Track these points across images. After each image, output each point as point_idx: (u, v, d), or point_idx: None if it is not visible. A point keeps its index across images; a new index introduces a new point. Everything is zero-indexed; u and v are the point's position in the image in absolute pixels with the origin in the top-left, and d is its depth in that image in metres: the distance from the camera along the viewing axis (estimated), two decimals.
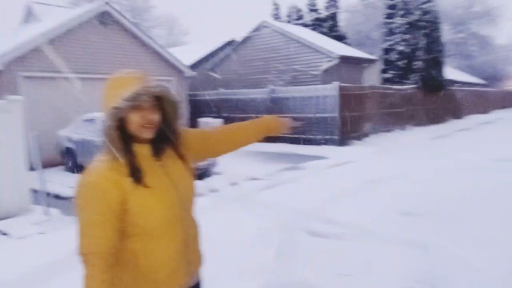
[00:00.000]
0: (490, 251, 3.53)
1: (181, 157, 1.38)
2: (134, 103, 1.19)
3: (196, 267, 1.44)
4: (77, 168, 8.04)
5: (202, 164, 7.19)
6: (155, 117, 1.25)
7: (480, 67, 37.30)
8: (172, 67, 12.50)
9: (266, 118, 1.62)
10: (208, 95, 14.39)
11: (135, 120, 1.21)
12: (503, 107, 32.88)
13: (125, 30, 11.19)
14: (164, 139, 1.32)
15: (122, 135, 1.22)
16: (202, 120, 12.86)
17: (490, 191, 5.64)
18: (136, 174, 1.21)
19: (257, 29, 16.44)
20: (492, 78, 38.04)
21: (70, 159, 8.42)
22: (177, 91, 12.65)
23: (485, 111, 26.39)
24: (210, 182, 6.80)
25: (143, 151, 1.27)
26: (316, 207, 5.14)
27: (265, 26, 16.30)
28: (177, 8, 52.88)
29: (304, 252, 3.73)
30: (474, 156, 8.64)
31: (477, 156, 8.66)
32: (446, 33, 30.55)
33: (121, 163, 1.21)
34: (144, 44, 11.65)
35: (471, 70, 37.14)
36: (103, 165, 1.21)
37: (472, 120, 20.61)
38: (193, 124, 13.31)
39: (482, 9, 35.66)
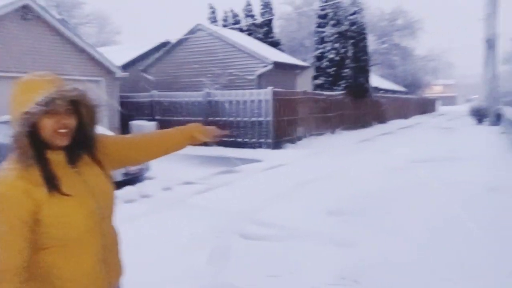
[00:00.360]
0: (406, 244, 3.84)
1: (98, 163, 1.32)
2: (48, 108, 1.12)
3: (116, 277, 1.40)
4: None
5: (133, 169, 6.94)
6: (71, 122, 1.19)
7: (402, 76, 40.52)
8: (101, 67, 11.91)
9: (191, 126, 1.59)
10: (141, 97, 13.93)
11: (48, 126, 1.15)
12: (422, 112, 35.99)
13: (49, 26, 10.46)
14: (80, 145, 1.27)
15: (34, 142, 1.14)
16: (135, 123, 12.42)
17: (406, 190, 6.14)
18: (50, 182, 1.15)
19: (192, 31, 16.30)
20: (412, 86, 41.51)
21: None
22: (107, 92, 12.08)
23: (405, 116, 28.67)
24: (142, 187, 6.58)
25: (57, 158, 1.20)
26: (249, 210, 5.21)
27: (201, 29, 16.21)
28: (109, 6, 50.62)
29: (236, 255, 3.76)
30: (394, 158, 9.36)
31: (397, 158, 9.39)
32: (372, 44, 32.78)
33: (33, 171, 1.14)
34: (70, 42, 10.98)
35: (393, 78, 40.21)
36: (12, 174, 1.13)
37: (394, 124, 22.27)
38: (125, 127, 12.79)
39: (404, 22, 38.78)
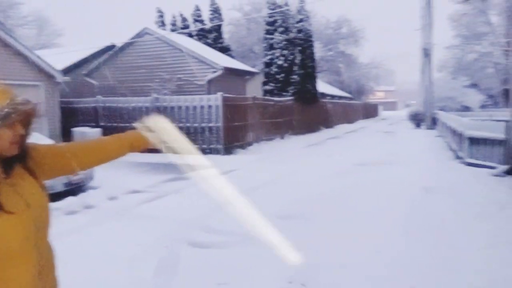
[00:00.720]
0: (351, 246, 4.01)
1: (32, 174, 1.26)
2: (5, 121, 1.10)
3: None
4: None
5: (75, 178, 6.61)
6: (23, 132, 1.17)
7: (347, 82, 42.34)
8: (40, 71, 11.24)
9: (130, 133, 1.53)
10: (84, 102, 13.32)
11: (5, 137, 1.12)
12: (366, 117, 37.77)
13: None
14: (15, 155, 1.21)
15: None
16: (77, 130, 11.85)
17: (350, 192, 6.41)
18: None
19: (139, 35, 15.89)
20: (357, 92, 43.52)
21: None
22: (47, 97, 11.43)
23: (351, 121, 29.94)
24: (85, 197, 6.28)
25: None
26: (199, 217, 5.17)
27: (148, 33, 15.86)
28: (50, 7, 47.89)
29: (185, 264, 3.71)
30: (340, 162, 9.74)
31: (342, 161, 9.79)
32: (319, 51, 33.93)
33: None
34: (5, 45, 10.26)
35: (339, 85, 41.89)
36: None
37: (340, 129, 23.17)
38: (67, 134, 12.15)
39: (348, 31, 40.55)
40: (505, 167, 7.72)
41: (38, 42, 33.88)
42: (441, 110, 22.87)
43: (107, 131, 12.53)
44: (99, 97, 13.35)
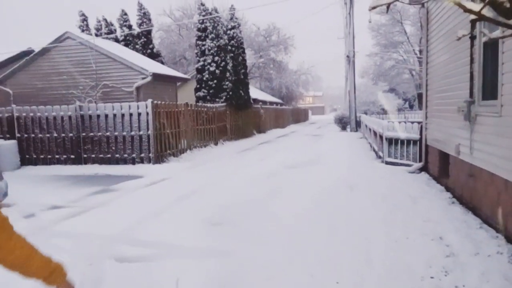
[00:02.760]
0: (280, 248, 4.11)
1: None
2: None
3: None
4: None
5: None
6: None
7: (278, 88, 43.57)
8: None
9: (59, 269, 1.44)
10: None
11: None
12: (296, 121, 39.09)
13: None
14: None
15: None
16: None
17: (279, 194, 6.59)
18: None
19: (59, 39, 14.95)
20: (287, 97, 44.95)
21: None
22: None
23: (283, 125, 30.78)
24: None
25: None
26: (126, 231, 4.96)
27: (70, 37, 14.97)
28: None
29: (110, 281, 3.53)
30: (271, 165, 9.97)
31: (274, 165, 10.04)
32: (250, 58, 34.47)
33: None
34: None
35: (270, 91, 42.97)
36: None
37: (273, 134, 23.73)
38: None
39: (278, 38, 41.76)
40: (419, 165, 8.48)
41: None
42: (364, 113, 24.45)
43: (24, 143, 11.55)
44: (15, 106, 12.26)
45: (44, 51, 15.10)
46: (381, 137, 10.49)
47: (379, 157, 10.72)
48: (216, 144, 16.08)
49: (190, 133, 13.63)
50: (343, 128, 25.72)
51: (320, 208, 5.66)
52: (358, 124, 24.16)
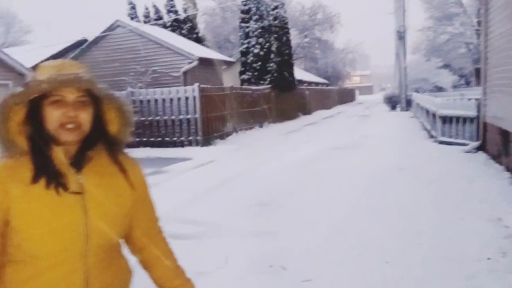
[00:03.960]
0: (325, 230, 4.12)
1: (123, 171, 1.12)
2: (49, 86, 0.98)
3: None
4: None
5: None
6: (83, 115, 1.01)
7: (323, 68, 42.57)
8: (8, 69, 10.90)
9: None
10: None
11: (53, 118, 0.99)
12: (342, 102, 38.19)
13: None
14: (91, 146, 1.08)
15: (38, 133, 1.01)
16: None
17: (325, 176, 6.54)
18: (36, 180, 0.99)
19: (111, 28, 15.56)
20: (333, 77, 43.84)
21: None
22: None
23: (328, 107, 30.21)
24: None
25: (57, 157, 1.02)
26: (177, 210, 5.18)
27: (120, 26, 15.53)
28: (16, 3, 46.17)
29: None
30: (316, 147, 9.88)
31: (319, 147, 9.94)
32: (295, 38, 33.92)
33: (23, 164, 1.00)
34: None
35: (316, 71, 42.09)
36: (3, 161, 1.02)
37: (318, 115, 23.38)
38: None
39: (323, 17, 40.63)
40: (476, 143, 7.99)
41: (6, 40, 32.71)
42: (415, 91, 23.34)
43: None
44: None
45: (97, 40, 15.82)
46: (434, 115, 10.01)
47: (432, 136, 10.25)
48: (261, 126, 16.16)
49: (235, 116, 13.80)
50: (393, 107, 24.76)
51: (367, 189, 5.56)
52: (408, 103, 23.14)
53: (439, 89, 28.53)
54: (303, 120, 20.39)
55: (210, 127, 11.87)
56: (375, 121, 17.14)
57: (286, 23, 20.42)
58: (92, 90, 1.03)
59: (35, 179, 0.99)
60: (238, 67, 18.84)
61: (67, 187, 1.01)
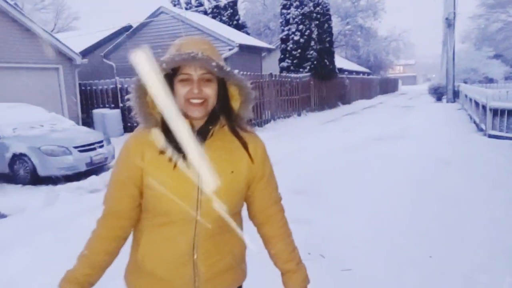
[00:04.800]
0: (364, 219, 4.04)
1: (244, 146, 1.19)
2: (168, 66, 1.06)
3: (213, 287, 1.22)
4: None
5: (96, 158, 6.82)
6: (207, 92, 1.09)
7: (365, 57, 41.33)
8: (59, 54, 11.43)
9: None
10: (103, 84, 13.52)
11: (180, 93, 1.09)
12: (384, 92, 37.02)
13: (1, 12, 9.88)
14: (214, 122, 1.16)
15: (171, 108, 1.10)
16: (97, 111, 12.08)
17: (364, 166, 6.39)
18: (164, 150, 1.12)
19: (154, 14, 15.89)
20: (375, 66, 42.50)
21: None
22: (66, 80, 11.65)
23: (369, 96, 29.41)
24: (107, 176, 6.47)
25: (183, 130, 1.10)
26: None
27: (163, 12, 15.82)
28: None
29: None
30: (355, 137, 9.67)
31: (358, 137, 9.71)
32: (336, 25, 33.14)
33: (156, 134, 1.13)
34: (25, 29, 10.44)
35: (357, 60, 40.96)
36: (140, 131, 1.17)
37: (358, 105, 22.83)
38: (87, 115, 12.44)
39: (366, 3, 39.33)
40: None
41: (56, 26, 34.30)
42: (463, 82, 22.20)
43: (125, 112, 12.75)
44: (118, 78, 13.52)
45: (141, 26, 16.22)
46: (484, 107, 9.49)
47: (481, 129, 9.74)
48: (299, 115, 16.03)
49: (273, 103, 13.76)
50: (438, 98, 23.71)
51: (409, 182, 5.39)
52: (456, 94, 22.07)
53: (490, 80, 26.97)
54: (342, 109, 20.00)
55: None
56: (419, 112, 16.51)
57: (328, 10, 19.94)
58: (209, 69, 1.07)
59: (163, 149, 1.12)
60: (277, 55, 18.71)
61: (187, 158, 1.10)
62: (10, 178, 6.54)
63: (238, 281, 1.31)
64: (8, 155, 6.47)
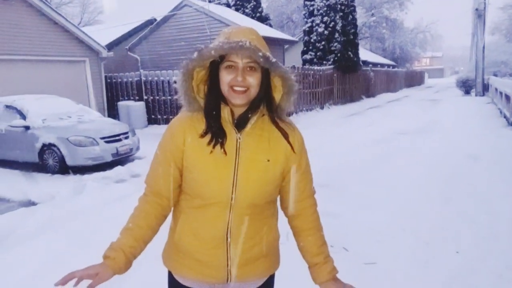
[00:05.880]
0: (387, 214, 3.98)
1: (284, 134, 1.20)
2: (216, 53, 1.08)
3: (243, 271, 1.23)
4: None
5: (122, 149, 6.96)
6: (250, 80, 1.11)
7: (390, 49, 40.37)
8: (86, 47, 11.69)
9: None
10: (127, 77, 13.74)
11: (224, 80, 1.12)
12: (410, 85, 36.15)
13: (30, 6, 10.16)
14: (253, 110, 1.17)
15: (213, 93, 1.16)
16: (122, 104, 12.31)
17: (388, 160, 6.29)
18: (204, 135, 1.15)
19: (178, 7, 15.97)
20: (401, 59, 41.46)
21: None
22: (92, 72, 11.91)
23: (394, 89, 28.80)
24: (132, 167, 6.62)
25: (224, 116, 1.16)
26: None
27: (187, 5, 15.88)
28: None
29: None
30: (380, 131, 9.50)
31: (383, 130, 9.54)
32: (361, 17, 32.49)
33: (198, 118, 1.18)
34: (53, 22, 10.71)
35: (382, 52, 40.06)
36: (184, 114, 1.21)
37: (382, 98, 22.39)
38: (112, 107, 12.69)
39: None
40: None
41: (82, 20, 35.05)
42: (493, 75, 21.41)
43: (149, 104, 12.93)
44: (142, 71, 13.72)
45: (165, 19, 16.35)
46: None
47: (511, 124, 9.40)
48: (322, 108, 15.87)
49: (296, 96, 13.65)
50: (467, 92, 22.97)
51: (435, 176, 5.26)
52: (485, 88, 21.32)
53: None
54: (366, 102, 19.66)
55: None
56: (446, 106, 16.05)
57: (353, 1, 19.57)
58: (255, 58, 1.09)
59: (203, 134, 1.16)
60: (300, 47, 18.53)
61: (225, 145, 1.14)
62: (40, 167, 6.76)
63: (270, 270, 1.32)
64: (38, 145, 6.69)
